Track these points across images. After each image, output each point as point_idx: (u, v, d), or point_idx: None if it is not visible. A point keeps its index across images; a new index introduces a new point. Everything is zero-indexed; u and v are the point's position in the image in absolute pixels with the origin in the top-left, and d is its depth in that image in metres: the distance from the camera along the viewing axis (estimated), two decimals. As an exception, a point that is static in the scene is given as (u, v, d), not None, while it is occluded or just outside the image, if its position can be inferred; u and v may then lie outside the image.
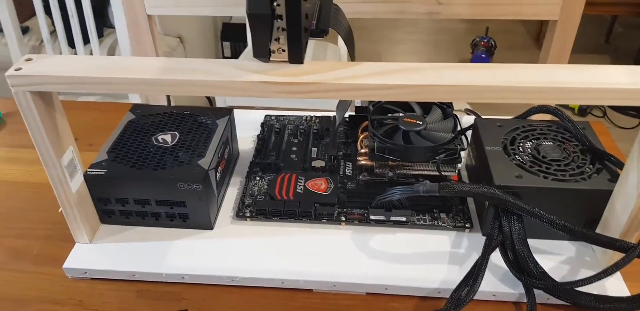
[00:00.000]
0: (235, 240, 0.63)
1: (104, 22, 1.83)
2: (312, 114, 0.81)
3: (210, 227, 0.64)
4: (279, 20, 0.46)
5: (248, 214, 0.65)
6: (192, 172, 0.60)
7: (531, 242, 0.56)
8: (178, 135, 0.65)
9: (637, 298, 0.53)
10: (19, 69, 0.49)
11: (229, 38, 2.36)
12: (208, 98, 1.98)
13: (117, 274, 0.60)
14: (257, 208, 0.64)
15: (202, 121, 0.68)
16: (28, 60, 0.50)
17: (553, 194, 0.57)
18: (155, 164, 0.61)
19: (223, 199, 0.68)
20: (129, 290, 0.59)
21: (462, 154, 0.64)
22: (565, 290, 0.54)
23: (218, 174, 0.64)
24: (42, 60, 0.51)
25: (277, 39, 0.47)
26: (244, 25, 1.94)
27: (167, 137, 0.65)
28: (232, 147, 0.72)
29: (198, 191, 0.60)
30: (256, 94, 0.48)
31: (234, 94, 0.48)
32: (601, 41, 2.85)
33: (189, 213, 0.62)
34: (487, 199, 0.58)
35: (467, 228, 0.63)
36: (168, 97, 0.85)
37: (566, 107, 2.32)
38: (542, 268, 0.55)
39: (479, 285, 0.54)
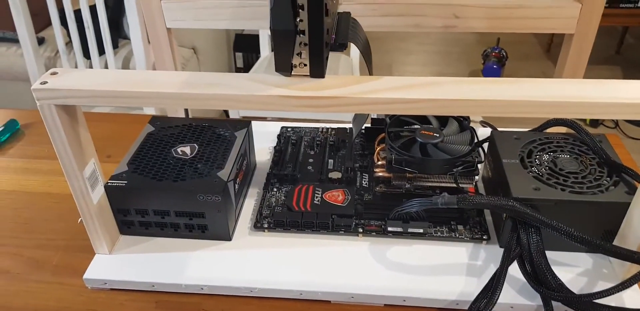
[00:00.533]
0: (254, 251, 0.63)
1: (119, 33, 1.85)
2: (328, 125, 0.82)
3: (229, 238, 0.64)
4: (301, 35, 0.46)
5: (266, 225, 0.65)
6: (211, 184, 0.60)
7: (549, 254, 0.56)
8: (197, 147, 0.66)
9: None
10: (45, 82, 0.50)
11: (242, 49, 2.39)
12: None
13: (136, 285, 0.60)
14: (274, 220, 0.65)
15: (220, 133, 0.69)
16: (53, 73, 0.51)
17: (571, 206, 0.57)
18: (175, 176, 0.61)
19: (241, 210, 0.69)
20: (149, 301, 0.60)
21: (479, 166, 0.64)
22: (583, 302, 0.54)
23: (236, 186, 0.65)
24: (67, 74, 0.51)
25: (299, 54, 0.48)
26: (257, 36, 1.96)
27: (187, 149, 0.65)
28: (250, 158, 0.73)
29: (217, 203, 0.60)
30: (278, 107, 0.49)
31: (256, 107, 0.49)
32: (612, 52, 2.85)
33: (207, 224, 0.63)
34: (505, 211, 0.58)
35: (485, 240, 0.63)
36: (186, 108, 0.85)
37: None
38: (560, 280, 0.55)
39: (498, 297, 0.54)
